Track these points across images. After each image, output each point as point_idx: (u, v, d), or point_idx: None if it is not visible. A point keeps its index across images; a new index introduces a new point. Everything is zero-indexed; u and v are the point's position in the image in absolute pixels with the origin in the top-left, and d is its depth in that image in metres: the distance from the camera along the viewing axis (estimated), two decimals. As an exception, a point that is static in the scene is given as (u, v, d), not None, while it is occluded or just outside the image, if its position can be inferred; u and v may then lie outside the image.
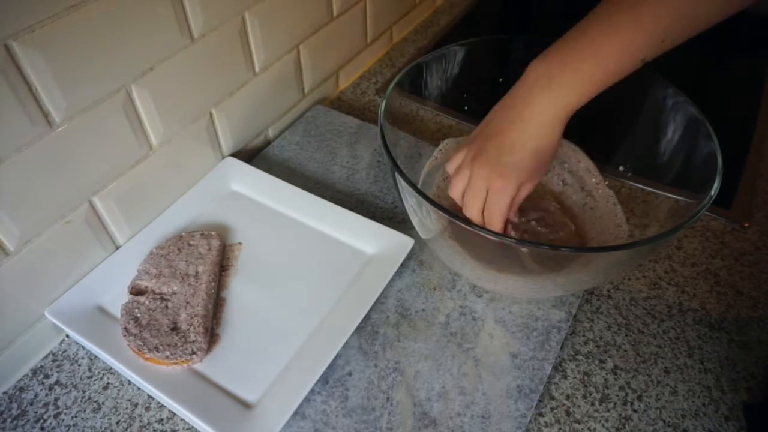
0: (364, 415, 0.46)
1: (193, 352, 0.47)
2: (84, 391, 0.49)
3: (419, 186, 0.56)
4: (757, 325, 0.53)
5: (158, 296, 0.51)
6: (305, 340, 0.49)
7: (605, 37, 0.41)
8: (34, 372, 0.50)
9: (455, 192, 0.49)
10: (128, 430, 0.47)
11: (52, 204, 0.48)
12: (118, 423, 0.47)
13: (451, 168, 0.50)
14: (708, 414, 0.47)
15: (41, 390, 0.49)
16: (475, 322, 0.52)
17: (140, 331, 0.48)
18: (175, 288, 0.52)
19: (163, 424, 0.47)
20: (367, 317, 0.52)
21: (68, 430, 0.47)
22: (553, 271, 0.46)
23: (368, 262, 0.56)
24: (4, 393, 0.49)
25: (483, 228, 0.41)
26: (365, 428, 0.46)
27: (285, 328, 0.51)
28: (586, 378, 0.50)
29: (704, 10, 0.39)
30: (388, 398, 0.47)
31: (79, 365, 0.51)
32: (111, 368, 0.50)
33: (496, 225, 0.47)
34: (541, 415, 0.47)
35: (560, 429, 0.46)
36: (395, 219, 0.62)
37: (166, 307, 0.50)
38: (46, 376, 0.50)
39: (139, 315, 0.49)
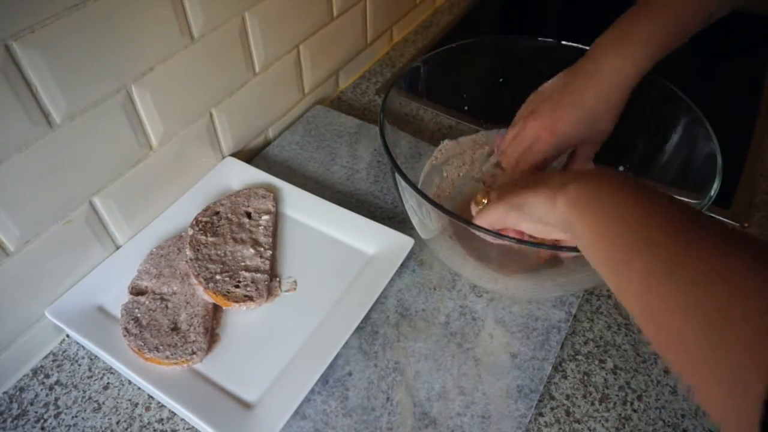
0: (364, 415, 0.46)
1: (193, 352, 0.47)
2: (84, 391, 0.49)
3: (419, 186, 0.56)
4: (757, 325, 0.53)
5: (158, 296, 0.51)
6: (305, 340, 0.49)
7: None
8: (35, 372, 0.50)
9: (506, 143, 0.50)
10: (128, 429, 0.47)
11: (52, 204, 0.48)
12: (118, 423, 0.47)
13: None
14: (708, 414, 0.47)
15: (41, 390, 0.49)
16: (475, 322, 0.52)
17: (140, 331, 0.48)
18: (175, 288, 0.52)
19: (163, 424, 0.47)
20: (367, 317, 0.52)
21: (68, 430, 0.47)
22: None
23: (368, 262, 0.56)
24: (5, 393, 0.49)
25: (483, 228, 0.41)
26: (365, 428, 0.46)
27: (285, 328, 0.51)
28: (586, 378, 0.50)
29: None
30: (388, 398, 0.47)
31: (80, 365, 0.51)
32: (111, 368, 0.50)
33: (523, 165, 0.48)
34: (541, 415, 0.47)
35: (560, 429, 0.46)
36: (395, 219, 0.62)
37: (166, 307, 0.50)
38: (47, 376, 0.50)
39: (139, 315, 0.49)
